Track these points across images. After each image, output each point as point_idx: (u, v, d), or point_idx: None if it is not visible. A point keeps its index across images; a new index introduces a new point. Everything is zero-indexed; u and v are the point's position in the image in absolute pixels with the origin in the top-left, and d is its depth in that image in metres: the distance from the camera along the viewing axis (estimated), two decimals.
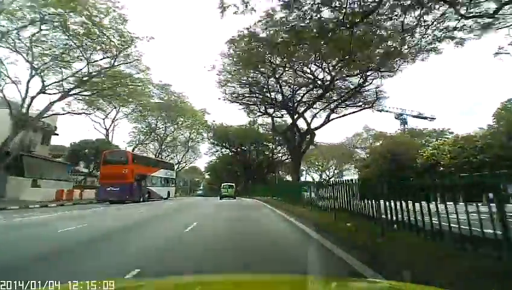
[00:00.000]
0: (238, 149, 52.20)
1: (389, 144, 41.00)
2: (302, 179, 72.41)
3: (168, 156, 50.49)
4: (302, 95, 16.84)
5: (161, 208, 17.30)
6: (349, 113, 17.97)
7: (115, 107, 31.34)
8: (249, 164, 51.94)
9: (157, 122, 39.32)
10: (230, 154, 54.62)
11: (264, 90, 16.84)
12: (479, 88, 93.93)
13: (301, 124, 17.33)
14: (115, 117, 32.06)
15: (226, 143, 51.38)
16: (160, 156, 43.12)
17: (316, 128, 16.17)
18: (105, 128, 32.05)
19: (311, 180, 60.00)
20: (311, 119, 16.70)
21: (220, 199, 34.28)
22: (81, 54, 20.49)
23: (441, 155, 35.01)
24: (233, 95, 17.57)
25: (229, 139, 49.32)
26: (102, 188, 23.20)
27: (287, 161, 55.78)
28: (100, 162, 25.42)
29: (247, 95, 17.48)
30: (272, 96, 17.01)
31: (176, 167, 46.71)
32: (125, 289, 1.89)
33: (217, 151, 54.80)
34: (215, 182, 63.14)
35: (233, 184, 39.64)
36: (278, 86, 15.79)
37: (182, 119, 40.92)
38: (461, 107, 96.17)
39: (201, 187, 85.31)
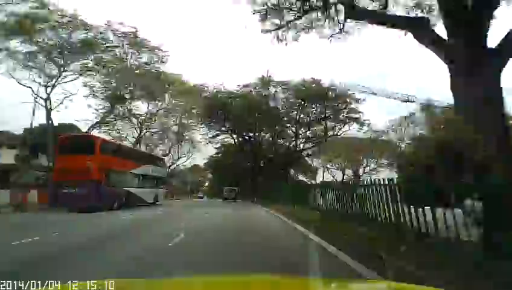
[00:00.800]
0: (245, 135, 38.57)
1: (449, 129, 29.83)
2: (319, 178, 59.94)
3: (156, 147, 40.37)
4: None
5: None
6: None
7: (54, 62, 21.51)
8: (259, 154, 39.41)
9: (120, 91, 27.31)
10: (233, 141, 41.50)
11: None
12: None
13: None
14: (56, 80, 22.19)
15: (224, 123, 37.43)
16: (139, 145, 33.07)
17: None
18: (46, 97, 22.28)
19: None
20: None
21: (223, 200, 37.30)
22: None
23: None
24: None
25: (227, 115, 35.39)
26: (56, 188, 16.65)
27: (301, 153, 44.23)
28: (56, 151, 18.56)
29: None
30: None
31: (168, 163, 37.16)
32: (125, 289, 1.79)
33: (213, 137, 41.41)
34: (218, 182, 56.53)
35: (235, 188, 40.80)
36: None
37: (164, 91, 30.32)
38: None
39: (206, 186, 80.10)
